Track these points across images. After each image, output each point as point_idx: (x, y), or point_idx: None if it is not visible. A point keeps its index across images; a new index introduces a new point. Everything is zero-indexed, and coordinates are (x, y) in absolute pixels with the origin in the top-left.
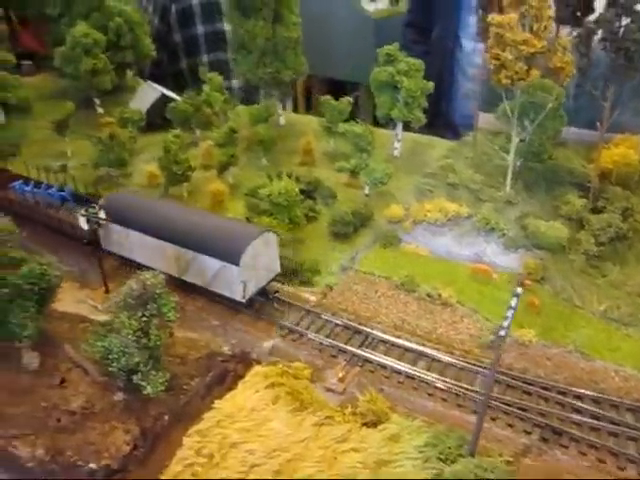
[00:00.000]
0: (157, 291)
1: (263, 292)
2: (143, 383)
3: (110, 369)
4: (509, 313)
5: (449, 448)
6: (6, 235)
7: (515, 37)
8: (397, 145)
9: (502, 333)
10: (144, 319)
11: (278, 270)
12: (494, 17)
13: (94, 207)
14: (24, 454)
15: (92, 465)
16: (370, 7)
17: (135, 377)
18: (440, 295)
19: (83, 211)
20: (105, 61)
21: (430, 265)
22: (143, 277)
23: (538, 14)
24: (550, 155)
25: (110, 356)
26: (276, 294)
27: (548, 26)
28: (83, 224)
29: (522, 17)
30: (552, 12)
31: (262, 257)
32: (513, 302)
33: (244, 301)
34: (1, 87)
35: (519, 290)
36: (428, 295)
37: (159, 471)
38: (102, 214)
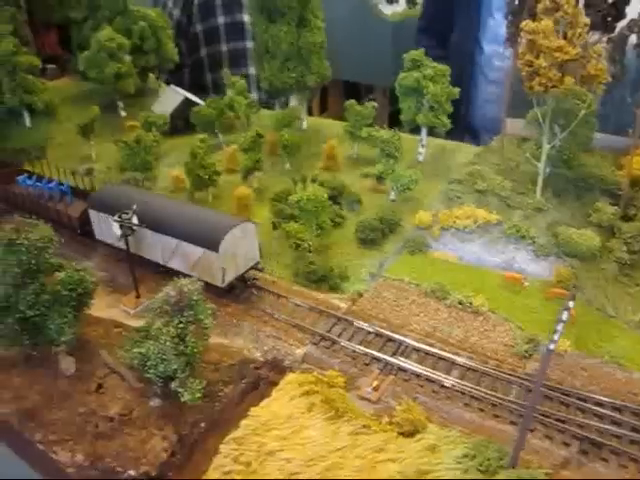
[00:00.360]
0: (194, 298)
1: (242, 279)
2: (181, 390)
3: (147, 375)
4: (559, 327)
5: (488, 459)
6: (47, 242)
7: (550, 44)
8: (421, 150)
9: (551, 347)
10: (181, 326)
11: (257, 259)
12: (528, 23)
13: (127, 213)
14: (64, 459)
15: (131, 471)
16: (387, 10)
17: (173, 384)
18: (471, 303)
19: (116, 217)
20: (129, 65)
21: (459, 272)
22: (180, 284)
23: (573, 21)
24: (580, 162)
25: (148, 362)
26: (254, 281)
27: (583, 33)
28: (116, 229)
29: (556, 23)
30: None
31: (241, 245)
32: (564, 315)
33: (224, 286)
34: (28, 91)
35: (571, 304)
36: (459, 303)
37: (197, 478)
38: (134, 219)
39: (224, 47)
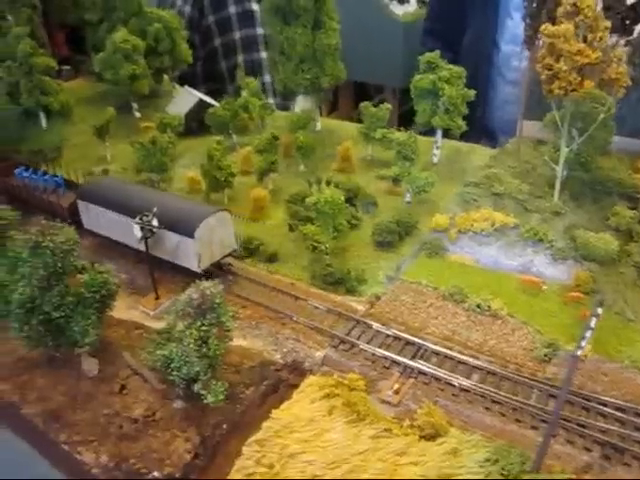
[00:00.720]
0: (216, 301)
1: (219, 265)
2: (204, 392)
3: (170, 377)
4: (587, 333)
5: (511, 464)
6: (72, 245)
7: (570, 47)
8: (436, 152)
9: (578, 353)
10: (204, 328)
11: (234, 246)
12: (547, 27)
13: (147, 215)
14: (88, 460)
15: (156, 473)
16: (399, 10)
17: (196, 386)
18: (490, 306)
19: (137, 219)
20: (144, 66)
21: (477, 275)
22: (202, 286)
23: (593, 24)
24: (597, 165)
25: (171, 365)
26: (229, 267)
27: (603, 37)
28: (137, 232)
29: (576, 27)
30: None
31: (217, 233)
32: (592, 322)
33: (199, 271)
34: (44, 92)
35: (599, 310)
36: (477, 306)
37: None
38: (155, 222)
39: (237, 35)
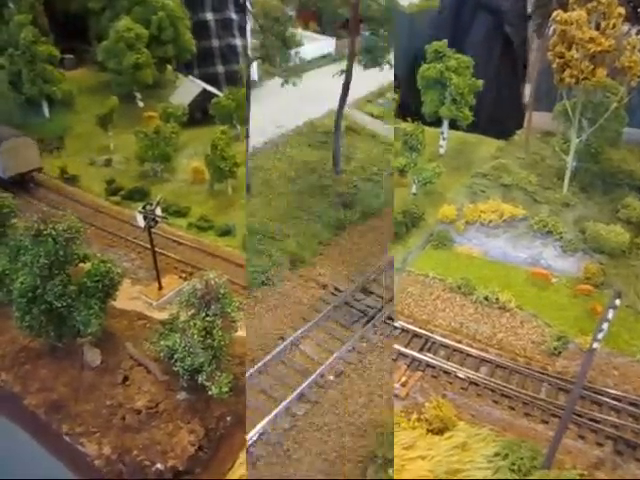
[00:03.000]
0: (221, 291)
1: (24, 177)
2: (208, 384)
3: (174, 369)
4: (604, 326)
5: (521, 459)
6: (74, 233)
7: (583, 35)
8: (442, 143)
9: (595, 345)
10: (208, 319)
11: (39, 165)
12: (560, 14)
13: (151, 204)
14: (91, 452)
15: (159, 465)
16: (404, 1)
17: (200, 377)
18: (498, 299)
19: (140, 208)
20: (147, 55)
21: (485, 267)
22: (206, 277)
23: (607, 11)
24: (607, 156)
25: (175, 356)
26: (32, 179)
27: (617, 24)
28: (140, 221)
29: (588, 14)
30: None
31: (22, 152)
32: (610, 314)
33: (6, 178)
34: (47, 81)
35: (617, 302)
36: (485, 299)
37: (223, 473)
38: (158, 211)
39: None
